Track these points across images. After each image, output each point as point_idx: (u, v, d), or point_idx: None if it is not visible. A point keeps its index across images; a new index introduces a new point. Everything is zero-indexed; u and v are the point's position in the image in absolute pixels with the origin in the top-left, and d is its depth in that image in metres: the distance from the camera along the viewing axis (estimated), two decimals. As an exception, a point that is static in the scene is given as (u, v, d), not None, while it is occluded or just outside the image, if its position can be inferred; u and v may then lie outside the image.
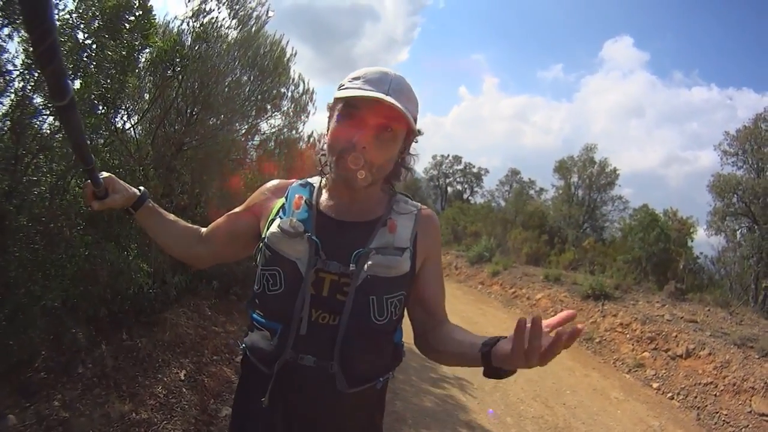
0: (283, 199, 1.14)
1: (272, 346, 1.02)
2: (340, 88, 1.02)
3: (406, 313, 1.13)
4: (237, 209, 1.26)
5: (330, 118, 1.06)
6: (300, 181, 1.19)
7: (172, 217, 1.31)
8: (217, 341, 3.91)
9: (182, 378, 3.01)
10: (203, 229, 1.30)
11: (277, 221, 1.07)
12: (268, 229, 1.09)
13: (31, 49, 1.88)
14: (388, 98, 0.94)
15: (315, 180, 1.19)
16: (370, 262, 1.01)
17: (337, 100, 1.03)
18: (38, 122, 2.26)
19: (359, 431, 1.11)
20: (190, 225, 1.32)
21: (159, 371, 2.92)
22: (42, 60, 0.63)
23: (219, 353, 3.77)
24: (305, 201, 1.09)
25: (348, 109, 0.99)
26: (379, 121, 0.98)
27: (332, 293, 1.01)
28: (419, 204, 1.18)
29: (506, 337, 0.86)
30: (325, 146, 1.08)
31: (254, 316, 1.09)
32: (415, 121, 1.04)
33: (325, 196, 1.13)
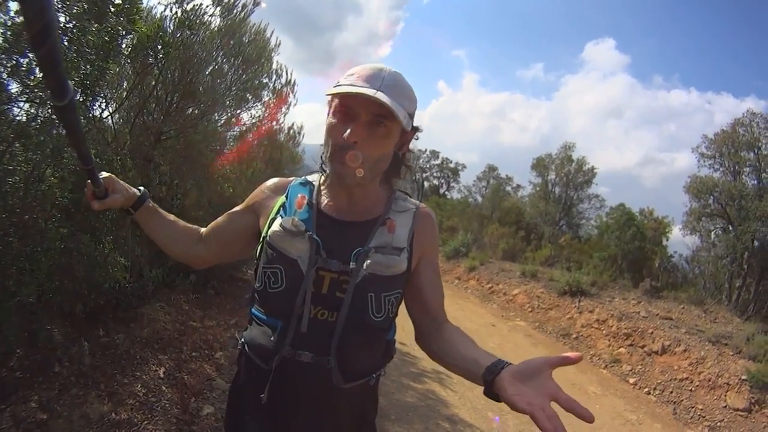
0: (283, 198, 1.14)
1: (271, 343, 1.03)
2: (336, 85, 1.02)
3: (400, 311, 1.14)
4: (237, 208, 1.25)
5: (327, 114, 1.07)
6: (300, 180, 1.19)
7: (171, 217, 1.31)
8: (195, 337, 3.83)
9: (162, 376, 2.93)
10: (203, 229, 1.29)
11: (279, 220, 1.07)
12: (269, 227, 1.09)
13: (26, 34, 1.81)
14: (378, 95, 0.94)
15: (314, 177, 1.19)
16: (369, 261, 1.03)
17: (332, 96, 1.04)
18: (14, 109, 2.15)
19: (352, 426, 1.13)
20: (190, 225, 1.31)
21: (137, 369, 2.84)
22: (41, 60, 0.61)
23: (198, 350, 3.69)
24: (307, 201, 1.10)
25: (341, 105, 1.01)
26: (370, 116, 0.98)
27: (332, 291, 1.03)
28: (417, 202, 1.19)
29: (509, 364, 0.84)
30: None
31: (254, 312, 1.10)
32: (412, 116, 1.05)
33: (325, 195, 1.13)
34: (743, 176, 10.31)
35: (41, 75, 1.64)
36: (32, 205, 2.24)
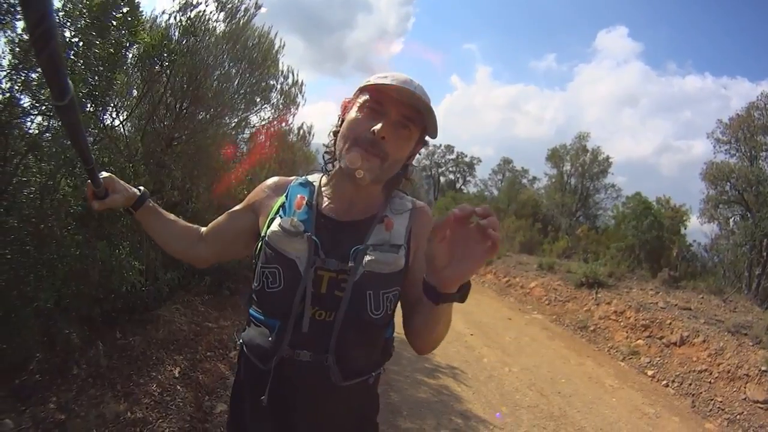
0: (283, 198, 1.15)
1: (270, 343, 1.03)
2: (366, 83, 1.05)
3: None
4: (237, 207, 1.26)
5: (347, 110, 1.09)
6: (300, 180, 1.19)
7: (172, 216, 1.32)
8: (210, 337, 3.90)
9: (176, 375, 3.01)
10: (203, 229, 1.31)
11: (278, 220, 1.08)
12: (268, 227, 1.10)
13: (27, 37, 1.86)
14: (417, 93, 0.98)
15: (314, 178, 1.19)
16: (367, 259, 1.03)
17: (361, 91, 1.06)
18: (26, 122, 2.23)
19: (353, 425, 1.13)
20: (190, 224, 1.33)
21: (153, 369, 2.91)
22: (39, 52, 0.62)
23: (213, 349, 3.76)
24: (306, 202, 1.10)
25: (372, 101, 1.03)
26: (399, 117, 1.01)
27: (330, 290, 1.03)
28: (414, 200, 1.19)
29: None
30: (335, 140, 1.10)
31: (252, 312, 1.11)
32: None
33: (325, 196, 1.14)
34: (760, 161, 10.08)
35: (43, 76, 1.71)
36: (48, 214, 2.31)
